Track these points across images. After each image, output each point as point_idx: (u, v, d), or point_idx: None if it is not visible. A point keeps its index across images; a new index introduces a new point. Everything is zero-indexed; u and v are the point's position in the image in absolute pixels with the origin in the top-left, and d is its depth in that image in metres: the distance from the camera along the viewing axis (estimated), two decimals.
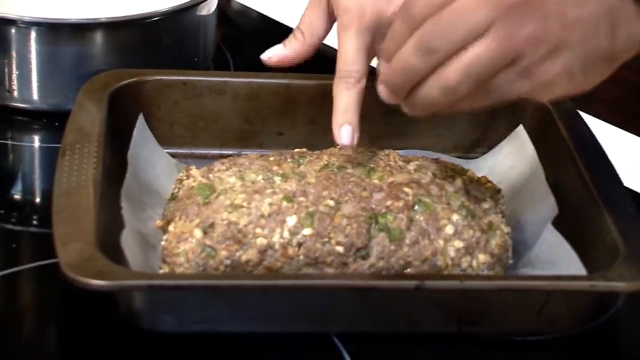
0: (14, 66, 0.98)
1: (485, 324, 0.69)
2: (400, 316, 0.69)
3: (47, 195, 0.83)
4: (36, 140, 0.99)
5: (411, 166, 0.77)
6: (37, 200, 0.90)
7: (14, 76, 0.98)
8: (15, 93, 0.98)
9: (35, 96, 0.98)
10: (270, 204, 0.70)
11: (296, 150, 0.79)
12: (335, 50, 0.85)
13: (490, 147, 0.87)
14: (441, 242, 0.71)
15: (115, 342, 0.68)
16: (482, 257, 0.70)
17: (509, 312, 0.70)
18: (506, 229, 0.74)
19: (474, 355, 0.71)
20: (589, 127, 0.85)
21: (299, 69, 0.89)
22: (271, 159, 0.77)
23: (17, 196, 0.89)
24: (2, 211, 0.84)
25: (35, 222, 0.84)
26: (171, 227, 0.70)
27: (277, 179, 0.74)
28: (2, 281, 0.74)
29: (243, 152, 0.82)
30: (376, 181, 0.74)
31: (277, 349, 0.69)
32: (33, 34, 0.95)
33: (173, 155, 0.86)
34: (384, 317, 0.69)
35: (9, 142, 0.96)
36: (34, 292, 0.77)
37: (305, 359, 0.69)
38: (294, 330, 0.69)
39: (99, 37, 0.97)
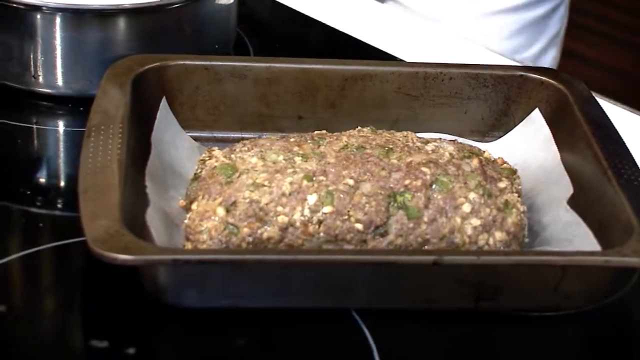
0: (39, 52, 0.98)
1: (502, 300, 0.70)
2: (418, 292, 0.70)
3: (71, 177, 0.87)
4: (60, 125, 0.99)
5: (429, 147, 0.77)
6: (62, 183, 0.91)
7: (39, 62, 0.98)
8: (41, 78, 0.98)
9: (59, 81, 0.98)
10: (291, 183, 0.71)
11: (316, 132, 0.79)
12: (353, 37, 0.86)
13: (506, 132, 0.87)
14: (458, 220, 0.72)
15: (140, 317, 0.69)
16: (498, 235, 0.71)
17: (525, 287, 0.70)
18: (522, 208, 0.74)
19: (491, 330, 0.72)
20: (603, 110, 0.85)
21: (318, 55, 0.90)
22: (292, 140, 0.78)
23: (42, 179, 0.90)
24: (28, 192, 0.85)
25: (59, 204, 0.85)
26: (194, 206, 0.71)
27: (298, 159, 0.74)
28: (28, 259, 0.75)
29: (263, 135, 0.81)
30: (394, 161, 0.75)
31: (297, 324, 0.70)
32: (58, 20, 0.95)
33: (195, 139, 0.86)
34: (403, 293, 0.70)
35: (34, 126, 0.96)
36: (57, 270, 0.78)
37: (326, 333, 0.69)
38: (315, 306, 0.69)
39: (121, 23, 0.97)
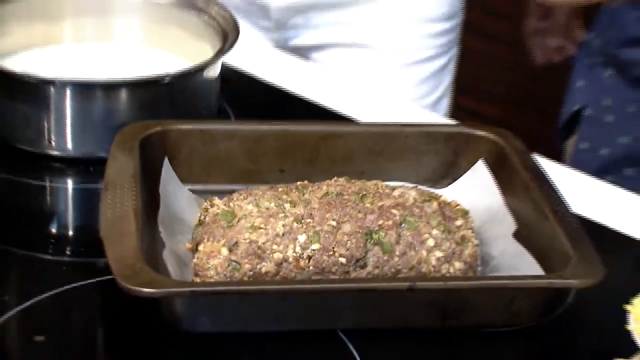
0: (52, 120, 0.99)
1: (464, 319, 0.75)
2: (395, 314, 0.75)
3: (83, 228, 0.93)
4: (71, 183, 1.01)
5: (396, 192, 0.82)
6: (75, 233, 0.93)
7: (52, 129, 0.99)
8: (53, 143, 0.99)
9: (70, 145, 0.99)
10: (284, 225, 0.76)
11: (299, 182, 0.83)
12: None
13: (455, 179, 0.92)
14: (424, 253, 0.77)
15: (157, 344, 0.73)
16: (457, 265, 0.77)
17: (482, 308, 0.76)
18: (476, 242, 0.80)
19: (455, 345, 0.76)
20: (535, 160, 0.91)
21: (289, 117, 0.97)
22: (280, 189, 0.82)
23: (54, 230, 0.92)
24: (51, 241, 0.88)
25: (74, 251, 0.88)
26: (201, 247, 0.76)
27: (287, 205, 0.79)
28: (55, 298, 0.78)
29: (250, 187, 0.85)
30: (368, 205, 0.79)
31: (293, 345, 0.74)
32: (68, 92, 0.97)
33: (192, 191, 0.89)
34: (381, 315, 0.75)
35: (48, 184, 0.99)
36: (81, 306, 0.80)
37: (318, 352, 0.74)
38: (307, 328, 0.74)
39: (123, 94, 0.98)
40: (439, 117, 1.21)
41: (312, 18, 1.47)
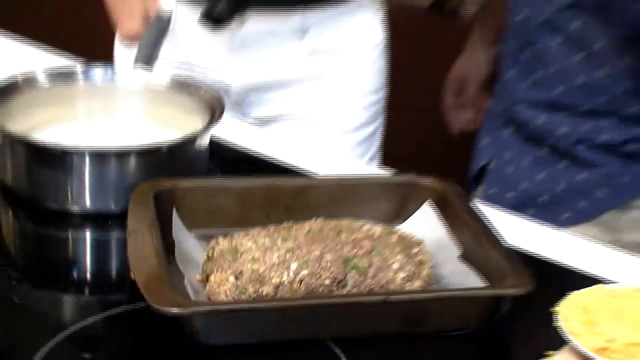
0: (73, 182, 1.00)
1: (427, 325, 0.80)
2: (372, 323, 0.79)
3: (101, 270, 0.97)
4: (89, 235, 1.03)
5: (364, 228, 0.86)
6: (94, 274, 0.96)
7: (73, 189, 1.00)
8: (74, 201, 1.01)
9: (88, 203, 1.00)
10: (278, 256, 0.80)
11: (285, 223, 0.88)
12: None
13: (406, 219, 0.96)
14: (391, 274, 0.81)
15: (178, 357, 0.77)
16: (417, 283, 0.81)
17: (440, 315, 0.80)
18: (430, 264, 0.84)
19: (420, 346, 0.80)
20: (470, 199, 0.97)
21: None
22: (272, 229, 0.86)
23: (75, 274, 0.95)
24: (74, 280, 0.91)
25: (90, 288, 0.92)
26: (212, 277, 0.80)
27: (279, 241, 0.83)
28: (93, 325, 0.81)
29: (242, 231, 0.89)
30: (344, 238, 0.84)
31: (290, 352, 0.78)
32: (86, 159, 0.99)
33: (197, 235, 0.92)
34: (361, 325, 0.79)
35: (70, 235, 1.01)
36: (113, 331, 0.83)
37: (311, 357, 0.78)
38: (302, 337, 0.78)
39: (132, 159, 1.00)
40: (384, 171, 1.26)
41: (265, 96, 1.48)
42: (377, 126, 1.55)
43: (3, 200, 1.02)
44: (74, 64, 1.20)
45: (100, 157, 1.00)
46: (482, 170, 1.44)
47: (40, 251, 1.00)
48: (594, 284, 0.84)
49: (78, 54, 1.41)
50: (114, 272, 0.97)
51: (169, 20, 1.29)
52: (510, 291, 0.79)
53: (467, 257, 0.87)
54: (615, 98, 1.33)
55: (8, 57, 1.39)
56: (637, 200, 1.33)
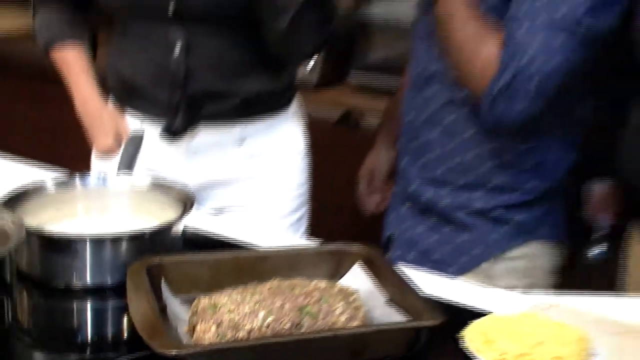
0: (77, 263, 1.02)
1: (366, 354, 0.86)
2: (324, 355, 0.86)
3: (101, 333, 0.99)
4: (90, 305, 1.04)
5: (312, 284, 0.92)
6: (97, 337, 0.98)
7: (77, 269, 1.02)
8: (77, 278, 1.03)
9: (89, 279, 1.02)
10: (249, 308, 0.86)
11: (250, 284, 0.92)
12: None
13: (340, 278, 0.99)
14: (336, 317, 0.87)
15: None
16: (356, 323, 0.87)
17: (376, 346, 0.87)
18: (365, 308, 0.90)
19: None
20: (391, 263, 1.03)
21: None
22: (241, 289, 0.90)
23: (80, 337, 0.97)
24: (82, 344, 0.93)
25: (97, 349, 0.94)
26: (197, 328, 0.85)
27: (248, 297, 0.88)
28: None
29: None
30: (298, 292, 0.90)
31: None
32: (87, 244, 1.02)
33: (182, 298, 0.95)
34: (316, 357, 0.85)
35: (75, 307, 1.03)
36: None
37: None
38: None
39: (122, 243, 1.03)
40: (315, 242, 1.27)
41: (215, 191, 1.49)
42: (304, 212, 1.56)
43: (18, 282, 1.03)
44: (73, 174, 1.22)
45: (97, 242, 1.02)
46: (389, 238, 1.47)
47: (50, 321, 1.02)
48: (486, 315, 0.92)
49: (62, 165, 1.44)
50: (112, 333, 1.00)
51: (142, 137, 1.32)
52: (427, 323, 0.86)
53: (392, 301, 0.93)
54: (483, 174, 1.36)
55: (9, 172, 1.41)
56: (504, 253, 1.36)
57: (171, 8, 1.32)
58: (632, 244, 1.30)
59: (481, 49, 1.21)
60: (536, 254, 1.37)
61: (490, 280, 1.32)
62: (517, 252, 1.35)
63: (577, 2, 1.17)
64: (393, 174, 1.56)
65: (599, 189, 1.36)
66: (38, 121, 2.42)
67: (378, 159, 1.65)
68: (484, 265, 1.35)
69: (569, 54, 1.18)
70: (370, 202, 1.64)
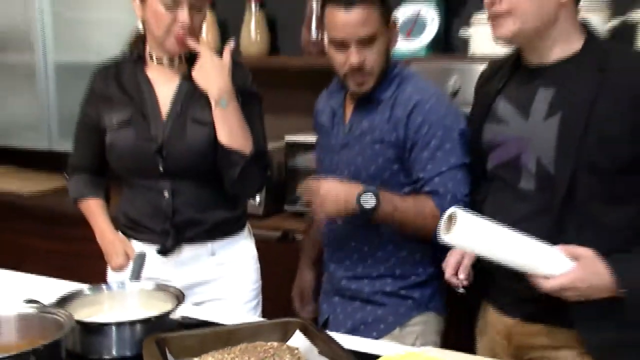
0: (106, 342, 1.04)
1: None
2: None
3: None
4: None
5: (269, 344, 1.00)
6: None
7: (106, 345, 1.05)
8: (107, 352, 1.05)
9: (114, 352, 1.05)
10: None
11: (227, 348, 0.99)
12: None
13: (288, 339, 1.04)
14: None
15: None
16: None
17: None
18: (305, 358, 0.97)
19: None
20: (320, 328, 1.09)
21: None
22: (220, 351, 0.98)
23: None
24: None
25: None
26: None
27: (226, 355, 0.97)
28: None
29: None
30: (259, 350, 0.98)
31: None
32: (113, 328, 1.04)
33: None
34: None
35: None
36: None
37: None
38: None
39: (137, 326, 1.07)
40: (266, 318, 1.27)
41: (194, 290, 1.47)
42: (258, 300, 1.57)
43: (67, 357, 1.01)
44: (100, 284, 1.23)
45: (119, 326, 1.07)
46: (326, 320, 1.51)
47: None
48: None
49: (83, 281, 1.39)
50: None
51: (144, 256, 1.37)
52: None
53: (321, 353, 1.00)
54: (389, 267, 1.42)
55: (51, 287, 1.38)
56: (409, 321, 1.42)
57: (161, 168, 1.42)
58: (483, 315, 1.34)
59: (425, 209, 1.32)
60: (429, 321, 1.43)
61: (400, 340, 1.38)
62: (416, 319, 1.42)
63: (459, 153, 1.33)
64: (317, 290, 1.56)
65: (454, 258, 1.26)
66: (63, 252, 2.44)
67: (304, 280, 1.63)
68: (395, 331, 1.42)
69: (468, 181, 1.33)
70: (305, 312, 1.63)
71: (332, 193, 1.30)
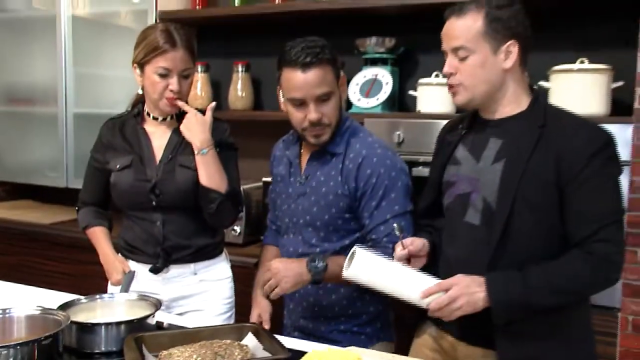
0: (98, 339, 1.12)
1: None
2: None
3: None
4: None
5: (222, 341, 1.10)
6: None
7: (97, 341, 1.12)
8: (97, 347, 1.13)
9: (103, 346, 1.13)
10: (188, 354, 1.05)
11: (192, 344, 1.09)
12: None
13: (242, 339, 1.11)
14: (234, 356, 1.05)
15: None
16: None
17: None
18: (251, 352, 1.06)
19: None
20: (272, 334, 1.13)
21: None
22: (184, 347, 1.07)
23: None
24: None
25: None
26: None
27: (189, 349, 1.07)
28: None
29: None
30: (215, 345, 1.08)
31: None
32: (102, 328, 1.12)
33: (154, 355, 1.07)
34: None
35: None
36: None
37: None
38: None
39: (123, 326, 1.14)
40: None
41: (179, 302, 1.56)
42: (231, 313, 1.64)
43: (64, 350, 1.10)
44: (94, 295, 1.31)
45: (107, 326, 1.17)
46: None
47: None
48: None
49: (84, 292, 1.43)
50: None
51: (134, 274, 1.48)
52: (280, 356, 1.06)
53: (265, 349, 1.10)
54: (342, 308, 1.44)
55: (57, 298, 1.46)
56: (372, 345, 1.44)
57: (154, 203, 1.53)
58: (419, 334, 1.38)
59: None
60: (381, 349, 1.42)
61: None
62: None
63: (403, 201, 1.33)
64: (271, 315, 1.51)
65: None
66: (73, 274, 2.54)
67: (262, 307, 1.52)
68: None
69: (410, 226, 1.33)
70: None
71: (287, 271, 1.30)
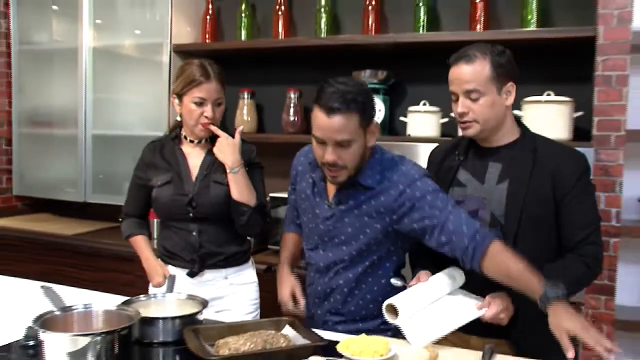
0: (155, 331, 1.17)
1: (295, 358, 1.06)
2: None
3: None
4: (164, 350, 1.17)
5: (267, 332, 1.14)
6: None
7: (155, 333, 1.17)
8: (155, 337, 1.17)
9: (161, 337, 1.16)
10: (241, 343, 1.10)
11: (241, 335, 1.14)
12: None
13: (281, 330, 1.16)
14: (279, 344, 1.12)
15: None
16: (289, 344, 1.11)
17: (299, 352, 1.07)
18: (291, 341, 1.13)
19: None
20: (303, 324, 1.23)
21: None
22: (236, 337, 1.12)
23: None
24: None
25: None
26: (220, 352, 1.08)
27: (241, 339, 1.12)
28: None
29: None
30: (262, 334, 1.13)
31: None
32: (161, 321, 1.18)
33: (209, 343, 1.13)
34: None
35: (160, 350, 1.17)
36: None
37: None
38: None
39: (177, 320, 1.18)
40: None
41: (212, 303, 1.53)
42: (257, 312, 1.69)
43: (133, 340, 1.09)
44: (152, 294, 1.35)
45: (165, 320, 1.21)
46: None
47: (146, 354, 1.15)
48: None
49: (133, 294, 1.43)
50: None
51: (175, 277, 1.49)
52: (318, 343, 1.13)
53: (304, 338, 1.15)
54: (369, 309, 1.37)
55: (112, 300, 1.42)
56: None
57: (191, 215, 1.59)
58: None
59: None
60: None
61: None
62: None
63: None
64: (303, 288, 1.48)
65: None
66: (93, 280, 2.53)
67: (292, 283, 1.49)
68: None
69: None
70: (299, 310, 1.49)
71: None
